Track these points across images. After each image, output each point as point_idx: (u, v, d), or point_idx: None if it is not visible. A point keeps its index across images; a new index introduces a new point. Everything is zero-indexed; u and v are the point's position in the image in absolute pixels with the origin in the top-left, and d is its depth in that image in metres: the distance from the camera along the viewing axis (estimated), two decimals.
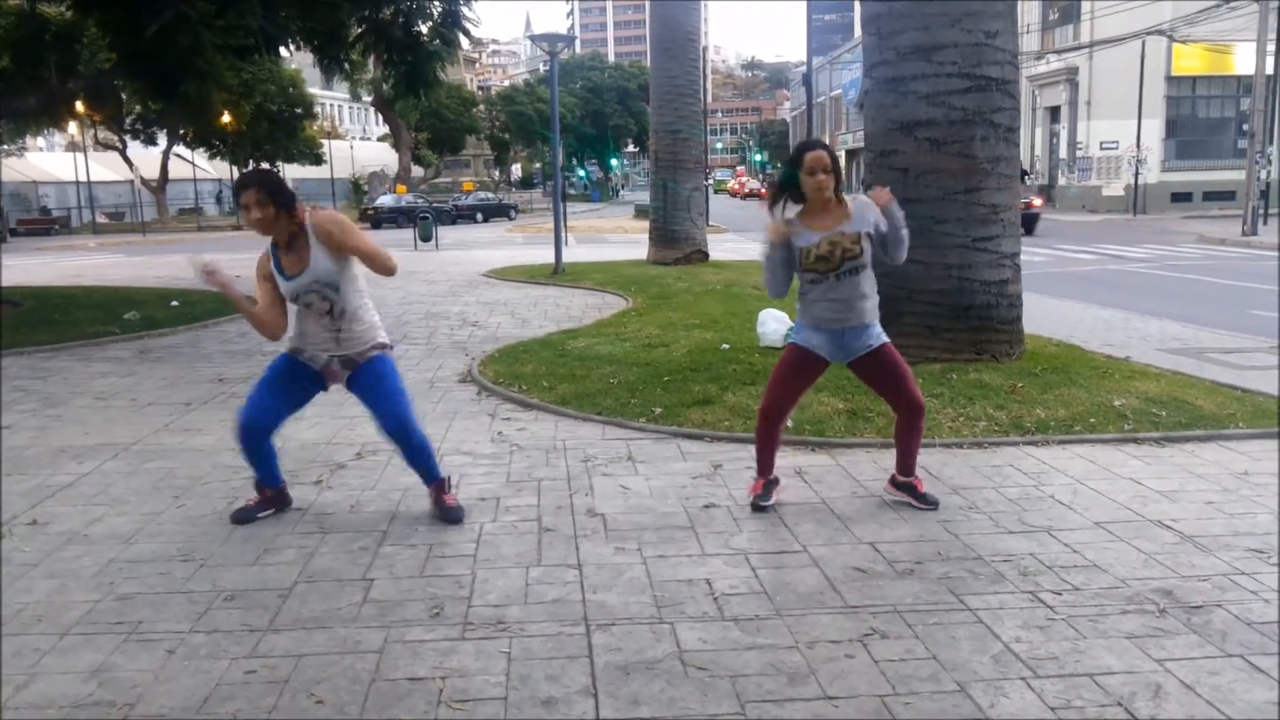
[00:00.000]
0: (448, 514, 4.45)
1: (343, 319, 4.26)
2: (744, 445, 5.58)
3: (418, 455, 4.49)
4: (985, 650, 3.15)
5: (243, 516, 4.46)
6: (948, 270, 7.26)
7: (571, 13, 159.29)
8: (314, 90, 51.82)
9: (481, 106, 69.45)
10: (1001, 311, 7.47)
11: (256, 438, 4.39)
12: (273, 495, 4.55)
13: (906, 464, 4.58)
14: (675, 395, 6.58)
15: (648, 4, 19.78)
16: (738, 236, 28.03)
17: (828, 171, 4.18)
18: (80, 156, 41.12)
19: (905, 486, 4.59)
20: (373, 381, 4.36)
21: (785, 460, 5.28)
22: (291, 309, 4.29)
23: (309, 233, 4.14)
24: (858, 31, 50.02)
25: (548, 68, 16.17)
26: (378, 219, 39.20)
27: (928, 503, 4.51)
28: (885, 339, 4.44)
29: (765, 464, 4.60)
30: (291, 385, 4.41)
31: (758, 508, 4.48)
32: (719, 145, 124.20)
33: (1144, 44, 31.07)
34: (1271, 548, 3.98)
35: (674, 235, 17.16)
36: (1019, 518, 4.38)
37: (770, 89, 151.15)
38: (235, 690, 2.96)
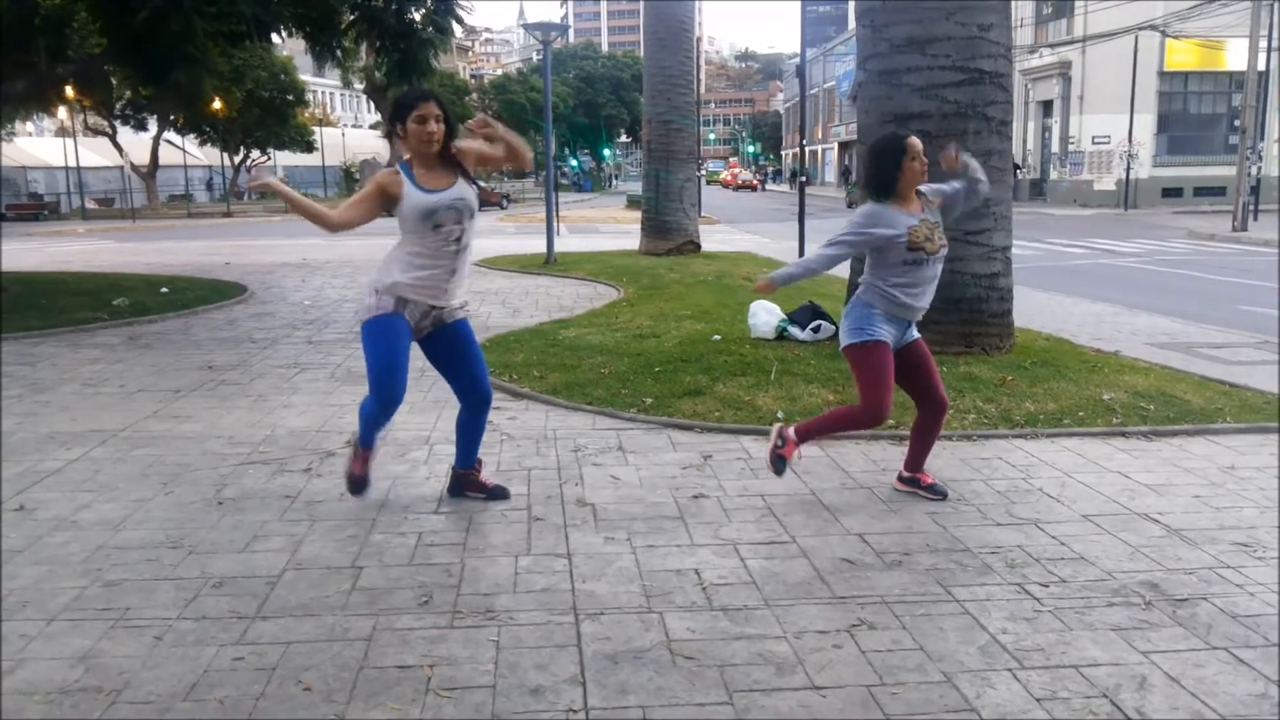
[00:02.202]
0: (496, 493, 4.57)
1: (461, 258, 4.17)
2: (734, 436, 5.60)
3: (481, 428, 4.51)
4: (972, 641, 3.16)
5: (367, 483, 4.45)
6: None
7: (565, 1, 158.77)
8: (305, 77, 51.57)
9: (474, 95, 69.25)
10: (992, 305, 7.50)
11: (394, 411, 4.25)
12: (371, 452, 4.43)
13: (919, 459, 4.61)
14: (666, 386, 6.58)
15: None
16: (730, 228, 28.02)
17: (922, 156, 4.25)
18: (70, 142, 40.85)
19: (913, 481, 4.62)
20: (462, 345, 4.31)
21: None
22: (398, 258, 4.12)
23: (447, 163, 4.12)
24: (851, 24, 49.96)
25: (541, 56, 16.12)
26: None
27: (937, 493, 4.54)
28: (919, 334, 4.50)
29: (817, 438, 4.66)
30: (406, 345, 4.18)
31: (781, 473, 4.56)
32: (712, 136, 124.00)
33: (1137, 39, 31.13)
34: (1256, 541, 4.00)
35: (666, 226, 17.14)
36: (1007, 510, 4.40)
37: (763, 80, 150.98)
38: (223, 677, 2.95)
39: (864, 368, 4.32)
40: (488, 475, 4.69)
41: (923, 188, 4.39)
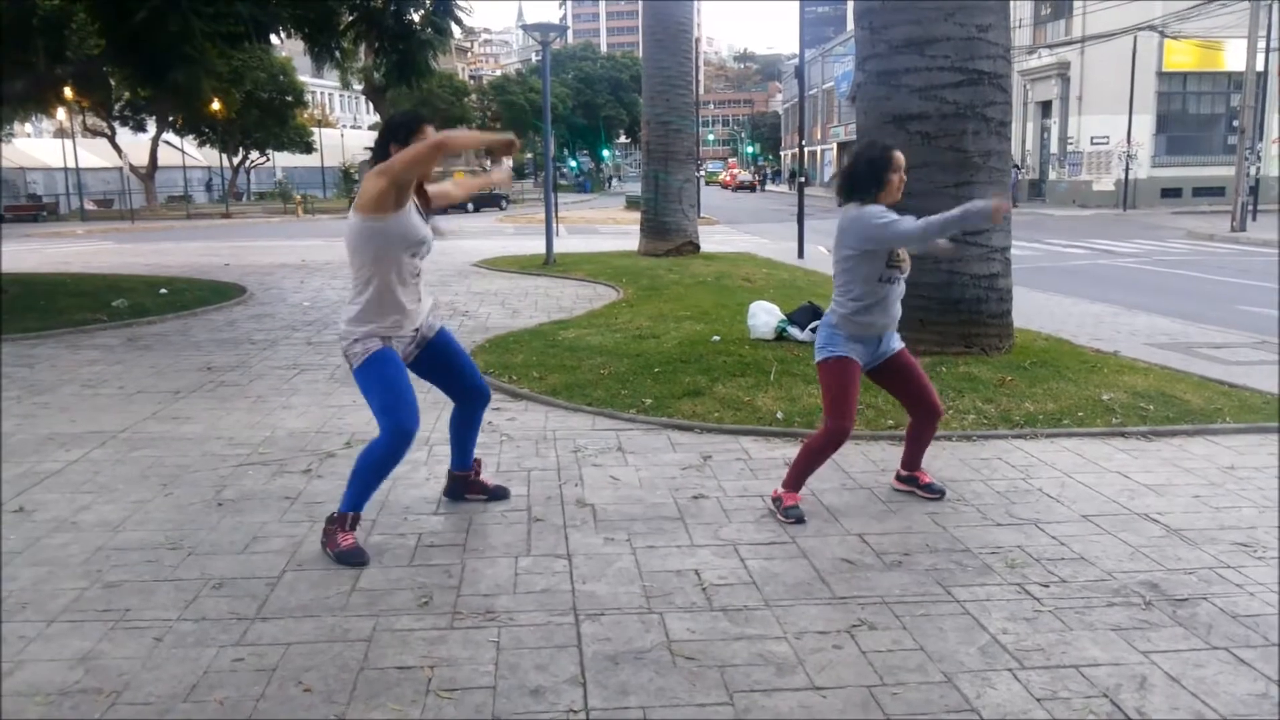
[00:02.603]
0: (496, 493, 4.56)
1: (421, 279, 4.05)
2: (734, 437, 5.60)
3: (478, 426, 4.47)
4: (972, 641, 3.16)
5: (364, 555, 3.90)
6: (937, 264, 7.27)
7: (564, 2, 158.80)
8: (304, 78, 51.57)
9: (473, 96, 69.27)
10: (991, 305, 7.50)
11: (411, 441, 3.94)
12: (354, 518, 4.00)
13: (915, 460, 4.60)
14: (665, 386, 6.58)
15: None
16: (729, 228, 28.03)
17: (904, 175, 4.20)
18: (69, 143, 40.84)
19: (910, 480, 4.62)
20: (450, 352, 4.23)
21: (776, 452, 5.30)
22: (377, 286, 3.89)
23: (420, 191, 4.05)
24: (850, 24, 50.08)
25: (540, 57, 16.12)
26: None
27: (934, 492, 4.54)
28: (902, 343, 4.45)
29: (805, 480, 4.46)
30: (403, 371, 3.97)
31: (801, 519, 4.27)
32: (711, 137, 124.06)
33: (1135, 39, 31.15)
34: (1256, 541, 4.00)
35: (665, 227, 17.14)
36: (1007, 510, 4.40)
37: (762, 81, 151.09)
38: (223, 678, 2.95)
39: (827, 384, 4.30)
40: (487, 475, 4.69)
41: None
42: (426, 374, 4.27)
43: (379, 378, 3.87)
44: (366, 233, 3.82)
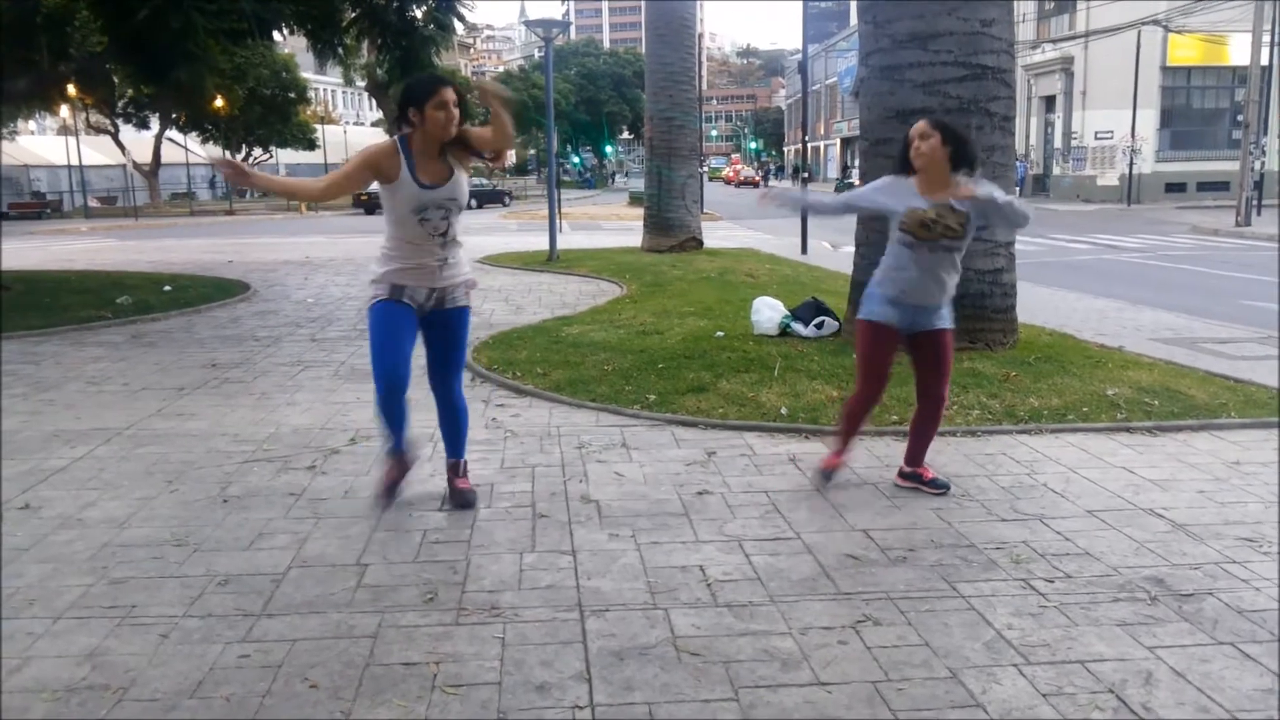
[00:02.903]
0: (459, 497, 4.45)
1: (451, 244, 4.15)
2: (738, 432, 5.59)
3: (461, 416, 4.49)
4: (978, 637, 3.16)
5: (391, 494, 4.41)
6: None
7: None
8: (307, 75, 51.61)
9: (476, 92, 69.22)
10: (995, 300, 7.49)
11: (399, 394, 4.19)
12: (402, 460, 4.40)
13: (918, 454, 4.61)
14: (669, 382, 6.58)
15: None
16: (732, 224, 28.00)
17: (925, 138, 4.15)
18: (72, 140, 40.87)
19: (913, 476, 4.62)
20: (450, 334, 4.31)
21: (780, 448, 5.30)
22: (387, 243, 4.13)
23: (449, 153, 4.07)
24: (854, 19, 49.86)
25: (543, 54, 16.10)
26: (371, 205, 39.05)
27: (939, 487, 4.54)
28: (951, 325, 4.44)
29: (848, 443, 4.66)
30: (403, 329, 4.16)
31: (827, 476, 4.64)
32: (714, 133, 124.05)
33: (1139, 34, 31.08)
34: (1262, 536, 4.00)
35: (668, 223, 17.13)
36: (1012, 506, 4.39)
37: (765, 76, 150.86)
38: (229, 674, 2.96)
39: (858, 345, 4.54)
40: (464, 479, 4.56)
41: (973, 184, 4.17)
42: (427, 337, 4.36)
43: (375, 325, 4.18)
44: (380, 191, 4.08)
